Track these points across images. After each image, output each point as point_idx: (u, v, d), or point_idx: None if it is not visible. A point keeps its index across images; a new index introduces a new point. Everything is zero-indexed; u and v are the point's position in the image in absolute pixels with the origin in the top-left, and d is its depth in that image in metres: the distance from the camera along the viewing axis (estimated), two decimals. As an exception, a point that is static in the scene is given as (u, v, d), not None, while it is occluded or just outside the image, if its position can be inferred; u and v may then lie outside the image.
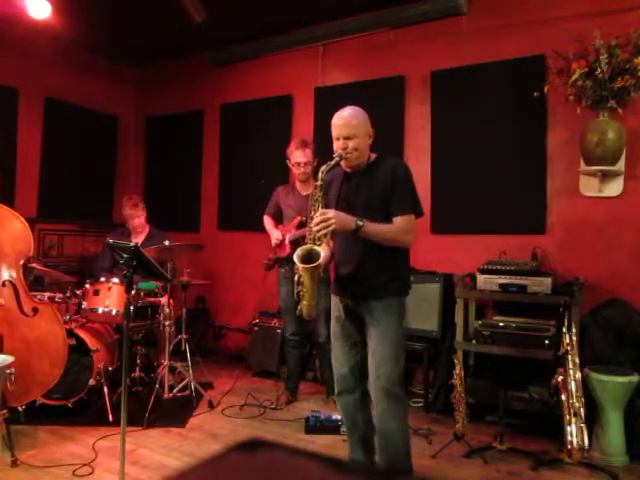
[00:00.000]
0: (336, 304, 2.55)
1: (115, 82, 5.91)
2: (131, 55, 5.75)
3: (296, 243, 3.74)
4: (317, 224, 2.22)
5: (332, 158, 2.38)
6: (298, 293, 2.36)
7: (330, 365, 3.81)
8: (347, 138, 2.36)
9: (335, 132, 2.40)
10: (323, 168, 2.37)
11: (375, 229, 2.29)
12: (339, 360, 2.54)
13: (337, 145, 2.39)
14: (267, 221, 3.99)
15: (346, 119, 2.40)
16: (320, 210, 2.29)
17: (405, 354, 2.48)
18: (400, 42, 4.48)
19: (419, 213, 2.44)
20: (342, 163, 2.42)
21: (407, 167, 2.47)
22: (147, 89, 6.08)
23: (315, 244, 2.30)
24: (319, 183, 2.38)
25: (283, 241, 3.81)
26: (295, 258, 2.31)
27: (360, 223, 2.25)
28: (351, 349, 2.50)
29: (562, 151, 3.79)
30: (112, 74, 5.85)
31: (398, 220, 2.34)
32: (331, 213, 2.23)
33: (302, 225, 3.72)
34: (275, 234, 3.84)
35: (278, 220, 3.97)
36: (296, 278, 2.37)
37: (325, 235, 2.30)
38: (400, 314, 2.44)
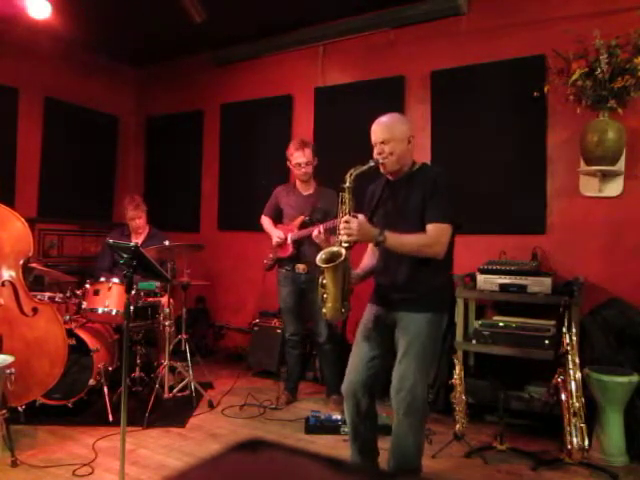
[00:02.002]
0: (369, 312, 2.51)
1: (115, 82, 5.91)
2: (131, 55, 5.75)
3: (299, 243, 3.75)
4: (342, 230, 2.20)
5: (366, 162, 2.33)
6: (322, 296, 2.29)
7: (330, 365, 3.85)
8: (383, 142, 2.34)
9: (372, 138, 2.39)
10: (351, 171, 2.30)
11: (398, 242, 2.23)
12: (354, 368, 2.46)
13: (375, 151, 2.37)
14: (266, 221, 3.98)
15: (382, 124, 2.38)
16: (345, 217, 2.23)
17: (434, 371, 2.43)
18: (400, 42, 4.48)
19: (455, 223, 2.32)
20: (381, 169, 2.38)
21: (448, 177, 2.40)
22: (147, 89, 6.08)
23: (341, 246, 2.24)
24: (347, 185, 2.30)
25: (285, 241, 3.80)
26: (318, 261, 2.26)
27: (380, 238, 2.19)
28: (370, 361, 2.43)
29: (562, 151, 3.79)
30: (112, 74, 5.85)
31: (429, 229, 2.26)
32: (354, 224, 2.18)
33: (305, 225, 3.71)
34: (276, 233, 3.83)
35: (277, 220, 3.97)
36: (320, 280, 2.30)
37: (349, 243, 2.23)
38: (434, 329, 2.34)
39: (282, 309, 3.99)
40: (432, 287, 2.36)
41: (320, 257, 2.27)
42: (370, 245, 2.55)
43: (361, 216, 2.27)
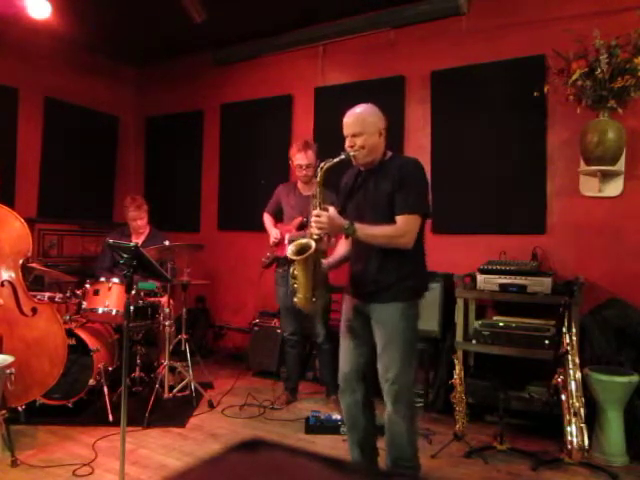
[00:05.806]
0: (347, 303, 2.54)
1: (115, 82, 5.91)
2: (131, 55, 5.75)
3: None
4: (312, 223, 2.25)
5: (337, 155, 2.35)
6: (293, 287, 2.33)
7: (329, 365, 3.85)
8: (354, 135, 2.34)
9: (344, 130, 2.39)
10: (322, 165, 2.33)
11: (367, 233, 2.27)
12: (343, 359, 2.51)
13: (346, 143, 2.38)
14: (267, 219, 3.98)
15: (354, 116, 2.38)
16: (316, 211, 2.27)
17: (417, 358, 2.45)
18: (400, 42, 4.48)
19: (425, 213, 2.36)
20: (353, 162, 2.40)
21: (418, 165, 2.39)
22: (147, 89, 6.08)
23: (312, 239, 2.27)
24: (319, 180, 2.35)
25: (282, 240, 3.80)
26: (288, 253, 2.30)
27: (349, 230, 2.24)
28: (356, 349, 2.46)
29: (562, 151, 3.79)
30: (112, 74, 5.85)
31: (398, 220, 2.29)
32: (324, 217, 2.22)
33: (303, 226, 3.71)
34: (274, 233, 3.83)
35: (278, 219, 3.97)
36: (290, 271, 2.35)
37: (320, 236, 2.27)
38: (410, 317, 2.36)
39: (280, 309, 4.01)
40: (401, 276, 2.36)
41: (290, 249, 2.30)
42: None
43: (332, 209, 2.30)
